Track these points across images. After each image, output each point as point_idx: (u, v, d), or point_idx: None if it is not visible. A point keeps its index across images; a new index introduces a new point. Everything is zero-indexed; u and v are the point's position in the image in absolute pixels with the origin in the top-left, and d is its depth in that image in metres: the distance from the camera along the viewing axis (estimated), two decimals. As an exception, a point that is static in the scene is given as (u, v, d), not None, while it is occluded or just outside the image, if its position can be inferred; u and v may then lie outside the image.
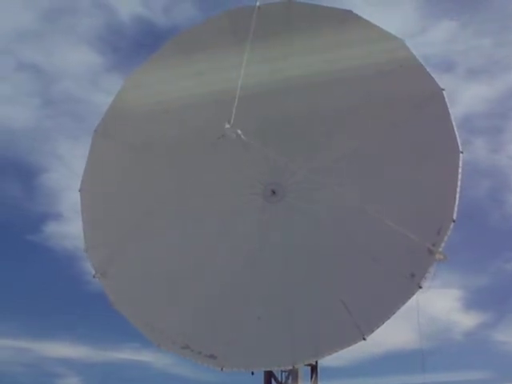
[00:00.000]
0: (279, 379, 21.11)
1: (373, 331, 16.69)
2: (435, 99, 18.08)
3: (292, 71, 20.17)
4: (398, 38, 19.30)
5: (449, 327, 43.66)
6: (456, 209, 17.06)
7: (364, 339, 16.61)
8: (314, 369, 21.81)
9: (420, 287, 16.73)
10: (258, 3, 21.17)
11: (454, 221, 17.06)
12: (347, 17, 20.04)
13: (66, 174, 44.10)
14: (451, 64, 46.86)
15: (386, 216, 17.38)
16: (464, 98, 46.62)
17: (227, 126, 16.36)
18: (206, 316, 18.65)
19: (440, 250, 16.87)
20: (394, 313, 16.70)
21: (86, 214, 20.15)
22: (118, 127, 21.13)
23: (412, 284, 16.73)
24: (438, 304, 43.03)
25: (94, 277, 19.34)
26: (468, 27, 45.80)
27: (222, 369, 17.35)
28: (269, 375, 21.13)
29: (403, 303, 16.73)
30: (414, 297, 16.84)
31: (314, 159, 19.95)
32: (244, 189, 20.66)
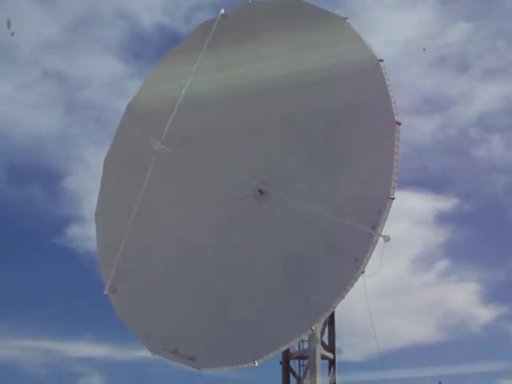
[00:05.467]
0: (297, 374, 22.19)
1: (320, 322, 17.24)
2: (373, 71, 18.07)
3: (253, 75, 21.31)
4: (340, 18, 19.56)
5: (467, 320, 45.94)
6: (394, 185, 16.92)
7: (312, 330, 17.25)
8: (331, 363, 22.44)
9: (362, 272, 16.89)
10: (222, 11, 22.68)
11: (392, 198, 16.96)
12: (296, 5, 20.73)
13: (90, 179, 46.84)
14: (468, 65, 50.28)
15: (331, 205, 17.86)
16: (480, 97, 50.34)
17: (152, 141, 18.07)
18: (194, 322, 20.45)
19: (380, 231, 16.82)
20: (338, 302, 17.09)
21: (101, 237, 23.07)
22: (124, 152, 23.83)
23: (355, 269, 16.95)
24: (457, 298, 46.83)
25: (105, 294, 22.04)
26: (483, 29, 47.81)
27: (199, 369, 19.01)
28: (287, 370, 22.31)
29: (347, 290, 17.03)
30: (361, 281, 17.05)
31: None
32: (234, 192, 22.00)
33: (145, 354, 20.60)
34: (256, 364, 18.05)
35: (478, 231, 49.34)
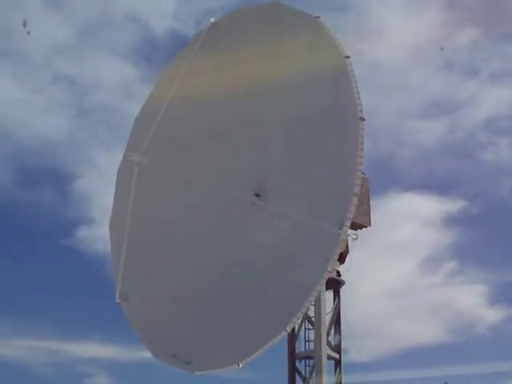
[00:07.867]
0: (303, 374, 22.74)
1: (294, 323, 17.77)
2: (340, 68, 18.39)
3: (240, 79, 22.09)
4: (313, 17, 19.98)
5: (474, 321, 47.91)
6: (358, 182, 17.17)
7: (286, 331, 17.77)
8: (337, 363, 22.77)
9: (330, 271, 17.28)
10: (212, 20, 23.59)
11: (356, 196, 17.20)
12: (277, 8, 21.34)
13: (99, 181, 48.10)
14: (475, 69, 52.85)
15: (304, 205, 18.42)
16: (488, 101, 53.14)
17: (130, 153, 19.21)
18: (192, 325, 21.36)
19: (346, 230, 17.13)
20: (310, 301, 17.56)
21: (114, 248, 24.43)
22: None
23: (325, 269, 17.33)
24: (464, 299, 48.62)
25: (117, 302, 23.33)
26: (490, 33, 48.75)
27: (193, 372, 19.90)
28: (292, 370, 22.89)
29: (317, 291, 17.47)
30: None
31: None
32: (232, 196, 22.76)
33: (151, 354, 21.60)
34: (240, 366, 18.69)
35: (485, 233, 51.69)
